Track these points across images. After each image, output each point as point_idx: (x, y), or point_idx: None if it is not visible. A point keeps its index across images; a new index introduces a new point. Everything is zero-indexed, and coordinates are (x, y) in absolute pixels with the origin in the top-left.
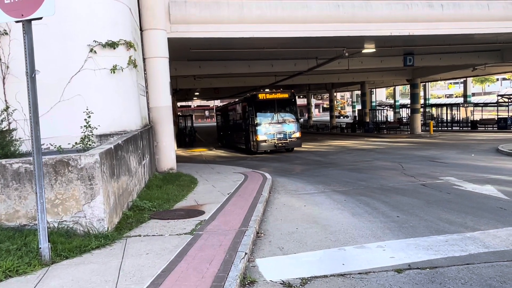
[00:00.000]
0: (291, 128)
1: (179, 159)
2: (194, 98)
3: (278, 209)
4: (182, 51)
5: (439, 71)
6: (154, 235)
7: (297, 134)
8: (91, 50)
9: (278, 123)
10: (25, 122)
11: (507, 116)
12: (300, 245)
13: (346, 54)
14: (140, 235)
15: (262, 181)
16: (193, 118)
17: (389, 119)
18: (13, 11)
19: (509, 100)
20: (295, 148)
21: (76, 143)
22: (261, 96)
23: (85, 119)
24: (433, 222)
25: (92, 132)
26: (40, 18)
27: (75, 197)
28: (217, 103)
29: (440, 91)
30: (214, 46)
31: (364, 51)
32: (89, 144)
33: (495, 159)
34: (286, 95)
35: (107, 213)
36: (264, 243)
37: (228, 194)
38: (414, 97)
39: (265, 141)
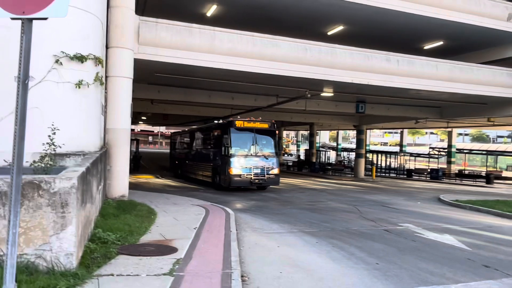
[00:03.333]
0: (270, 163)
1: None
2: (140, 122)
3: (251, 248)
4: (144, 74)
5: (385, 120)
6: (129, 275)
7: (276, 171)
8: (56, 61)
9: (256, 156)
10: None
11: (438, 168)
12: None
13: (309, 95)
14: (113, 274)
15: (226, 216)
16: (138, 143)
17: (331, 161)
18: (13, 6)
19: (439, 153)
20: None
21: (34, 161)
22: (238, 123)
23: (49, 136)
24: (414, 271)
25: (55, 150)
26: (45, 19)
27: (43, 226)
28: (162, 129)
29: (376, 138)
30: (180, 73)
31: (323, 94)
32: (49, 164)
33: (440, 208)
34: (266, 125)
35: (76, 246)
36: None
37: (194, 228)
38: (359, 142)
39: (239, 175)
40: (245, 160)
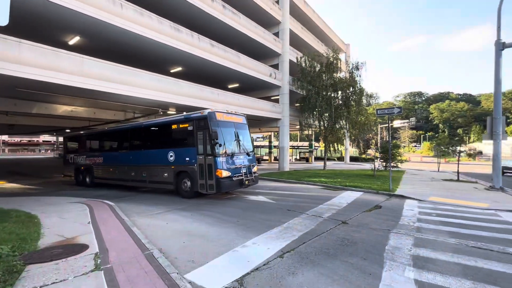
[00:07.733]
0: (253, 160)
1: None
2: None
3: (147, 229)
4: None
5: None
6: (55, 282)
7: (255, 168)
8: None
9: (241, 154)
10: None
11: None
12: (204, 255)
13: (161, 113)
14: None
15: (110, 208)
16: None
17: None
18: None
19: None
20: None
21: None
22: (219, 115)
23: None
24: (260, 221)
25: None
26: None
27: None
28: (5, 137)
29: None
30: (45, 89)
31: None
32: None
33: None
34: (241, 119)
35: None
36: (172, 260)
37: (88, 223)
38: None
39: (230, 178)
40: (233, 159)
